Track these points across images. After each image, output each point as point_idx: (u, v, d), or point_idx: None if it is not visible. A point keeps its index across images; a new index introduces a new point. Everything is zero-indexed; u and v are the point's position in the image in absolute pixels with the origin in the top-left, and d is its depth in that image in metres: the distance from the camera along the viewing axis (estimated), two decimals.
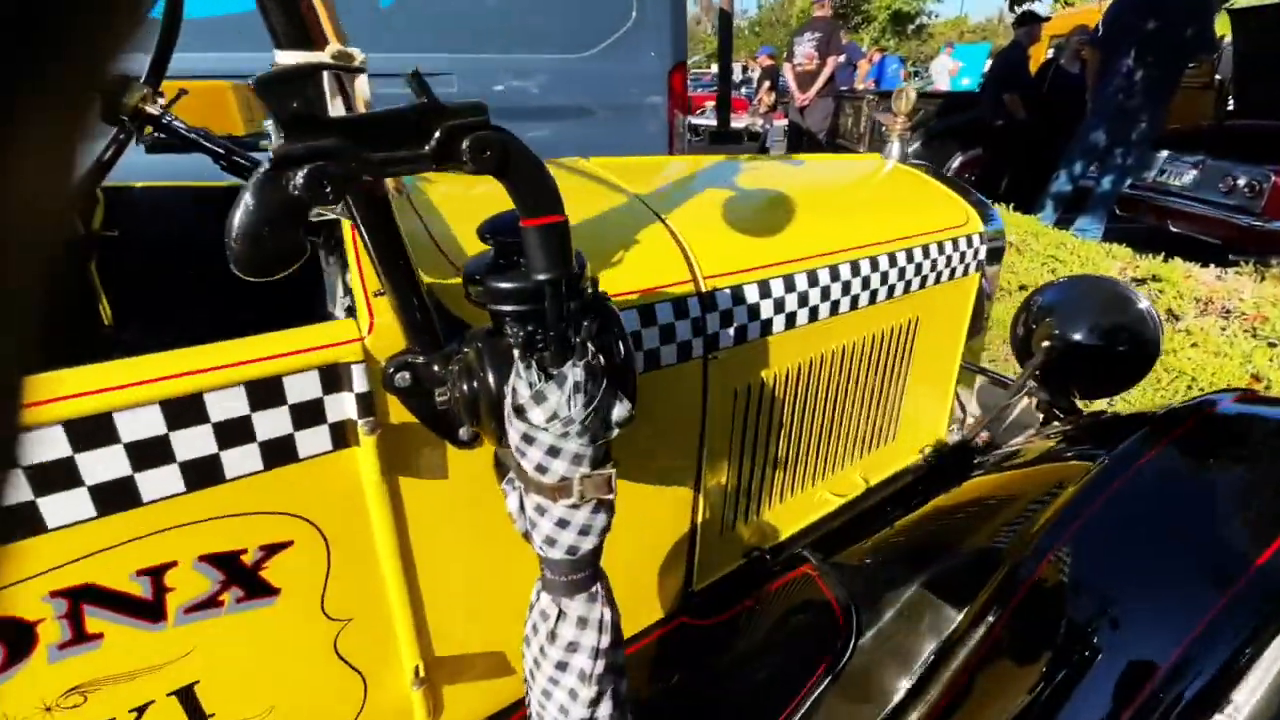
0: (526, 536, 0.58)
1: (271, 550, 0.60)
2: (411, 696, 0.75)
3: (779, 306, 0.97)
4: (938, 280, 1.26)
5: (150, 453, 0.51)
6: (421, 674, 0.76)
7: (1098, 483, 1.03)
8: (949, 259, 1.26)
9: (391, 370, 0.58)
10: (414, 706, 0.76)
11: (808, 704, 1.02)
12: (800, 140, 6.56)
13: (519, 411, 0.52)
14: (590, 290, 0.56)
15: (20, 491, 0.46)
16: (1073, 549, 0.95)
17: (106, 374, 0.48)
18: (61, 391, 0.47)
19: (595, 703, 0.60)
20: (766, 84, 8.84)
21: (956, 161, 5.96)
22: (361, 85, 0.46)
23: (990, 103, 5.67)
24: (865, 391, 1.25)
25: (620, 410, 0.56)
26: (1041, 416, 1.46)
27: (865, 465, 1.36)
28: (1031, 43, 5.59)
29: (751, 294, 0.93)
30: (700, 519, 1.03)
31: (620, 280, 0.82)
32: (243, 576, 0.59)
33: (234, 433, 0.54)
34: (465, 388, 0.54)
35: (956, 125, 5.97)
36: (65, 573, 0.51)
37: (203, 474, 0.54)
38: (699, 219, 0.99)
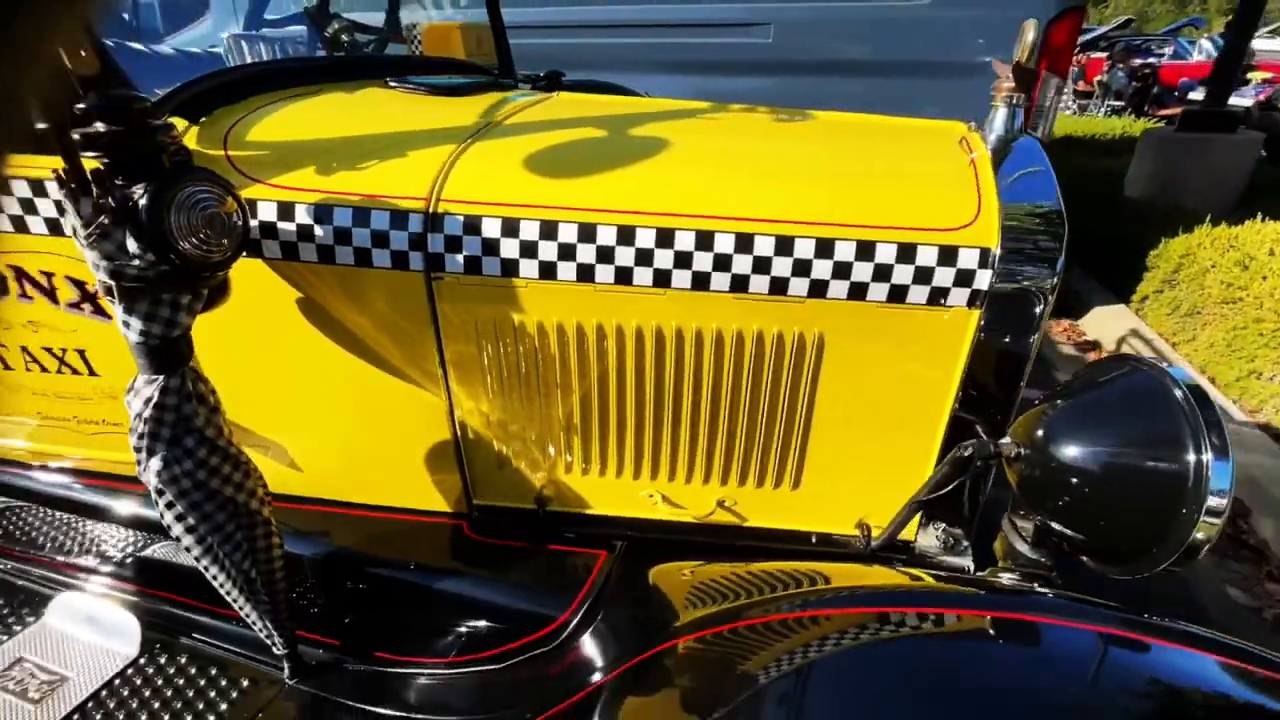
0: None
1: None
2: None
3: (528, 250, 0.92)
4: (860, 294, 0.91)
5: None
6: None
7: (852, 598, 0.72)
8: (883, 270, 0.89)
9: None
10: None
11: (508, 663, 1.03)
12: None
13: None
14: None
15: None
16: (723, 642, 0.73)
17: None
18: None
19: (138, 450, 0.86)
20: None
21: None
22: None
23: None
24: (718, 403, 1.02)
25: (132, 245, 0.76)
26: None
27: (736, 496, 1.12)
28: None
29: (490, 228, 0.92)
30: (461, 432, 1.09)
31: (354, 182, 0.95)
32: (91, 299, 1.04)
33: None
34: None
35: None
36: (12, 258, 1.02)
37: (52, 228, 0.98)
38: (510, 153, 0.99)
